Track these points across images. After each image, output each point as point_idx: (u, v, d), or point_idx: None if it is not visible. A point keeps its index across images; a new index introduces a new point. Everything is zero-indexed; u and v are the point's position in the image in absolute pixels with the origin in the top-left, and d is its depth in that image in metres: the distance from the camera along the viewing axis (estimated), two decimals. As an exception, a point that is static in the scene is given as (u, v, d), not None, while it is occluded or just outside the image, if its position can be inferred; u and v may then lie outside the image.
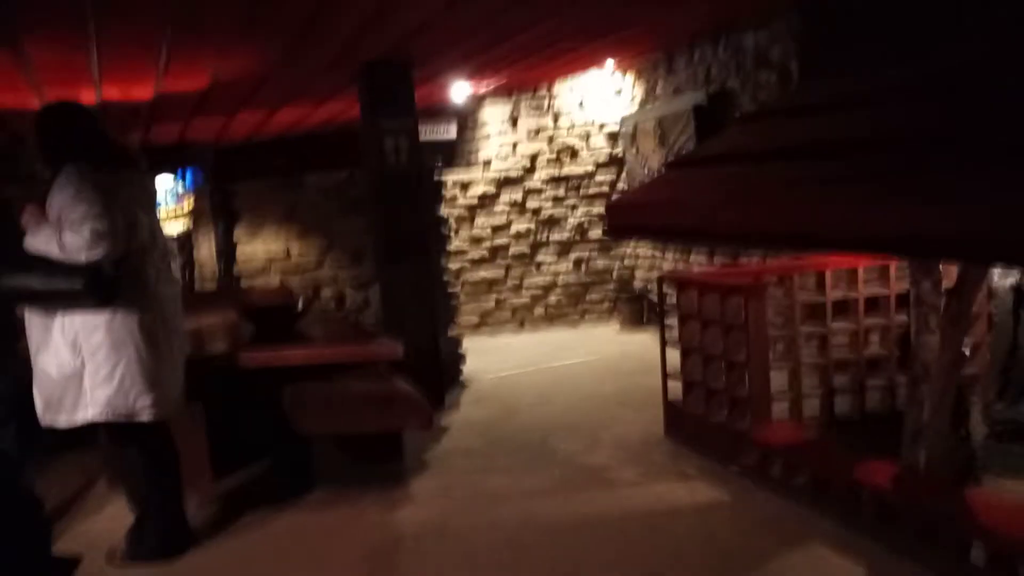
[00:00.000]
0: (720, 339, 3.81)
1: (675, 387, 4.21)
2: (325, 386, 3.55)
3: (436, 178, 5.69)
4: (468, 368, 5.91)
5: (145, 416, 2.98)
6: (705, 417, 3.93)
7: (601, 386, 5.41)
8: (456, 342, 5.73)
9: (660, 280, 4.20)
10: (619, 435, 4.34)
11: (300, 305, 4.18)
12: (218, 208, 5.54)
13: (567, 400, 5.14)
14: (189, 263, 5.53)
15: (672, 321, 4.25)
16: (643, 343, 6.50)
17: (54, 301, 2.93)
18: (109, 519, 3.46)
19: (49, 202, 2.90)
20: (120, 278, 2.93)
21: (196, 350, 3.58)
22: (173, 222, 4.77)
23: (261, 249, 5.71)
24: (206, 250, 5.72)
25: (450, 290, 5.76)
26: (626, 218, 3.62)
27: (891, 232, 2.03)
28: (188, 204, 4.81)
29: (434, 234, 5.60)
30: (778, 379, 3.84)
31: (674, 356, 4.19)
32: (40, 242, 2.87)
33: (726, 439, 3.77)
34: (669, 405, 4.22)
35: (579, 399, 5.15)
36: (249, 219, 5.68)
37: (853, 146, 2.48)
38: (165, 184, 4.76)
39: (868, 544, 2.88)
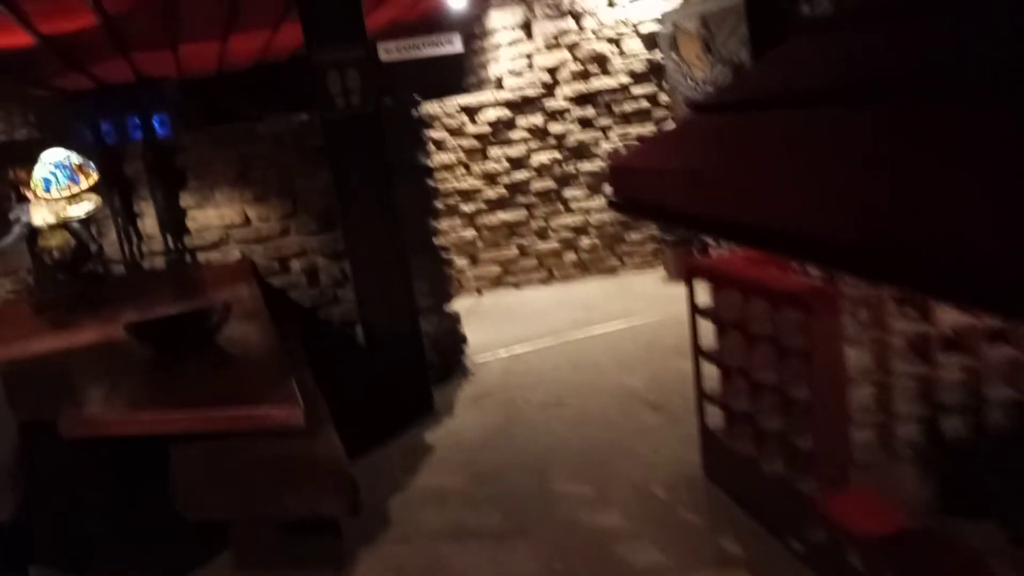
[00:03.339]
0: (773, 363, 2.62)
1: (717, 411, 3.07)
2: (210, 453, 2.57)
3: (414, 114, 4.49)
4: (476, 342, 4.89)
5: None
6: (755, 462, 2.79)
7: (630, 375, 4.28)
8: (453, 319, 4.67)
9: (689, 272, 2.96)
10: (642, 468, 3.26)
11: (215, 316, 3.16)
12: (153, 169, 4.51)
13: (585, 400, 4.05)
14: (129, 238, 4.58)
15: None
16: (692, 301, 5.29)
17: None
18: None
19: None
20: None
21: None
22: (74, 204, 3.79)
23: (214, 216, 4.70)
24: (151, 220, 4.74)
25: (443, 255, 4.65)
26: (632, 189, 2.40)
27: None
28: (88, 179, 3.80)
29: (416, 189, 4.46)
30: (859, 396, 2.67)
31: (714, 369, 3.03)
32: None
33: (783, 500, 2.65)
34: (708, 435, 3.09)
35: (600, 398, 4.05)
36: (197, 180, 4.65)
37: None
38: (53, 157, 3.74)
39: None
